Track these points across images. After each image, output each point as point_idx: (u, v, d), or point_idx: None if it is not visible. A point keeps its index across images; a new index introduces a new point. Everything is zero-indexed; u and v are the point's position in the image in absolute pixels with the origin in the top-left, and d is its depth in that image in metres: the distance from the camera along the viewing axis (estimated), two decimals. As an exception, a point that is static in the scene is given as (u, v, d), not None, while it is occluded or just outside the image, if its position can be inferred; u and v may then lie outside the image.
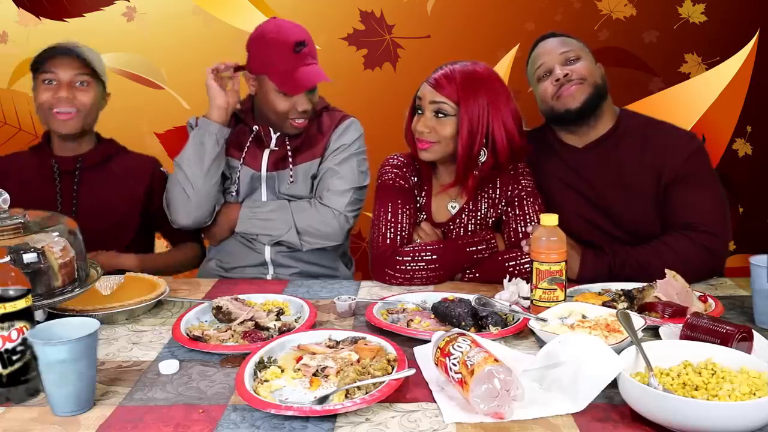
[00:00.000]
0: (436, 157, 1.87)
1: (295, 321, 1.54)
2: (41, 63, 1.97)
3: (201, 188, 1.95)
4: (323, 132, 2.06)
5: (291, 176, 2.02)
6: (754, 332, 1.28)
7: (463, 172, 1.85)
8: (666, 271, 1.57)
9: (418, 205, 1.97)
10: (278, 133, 2.04)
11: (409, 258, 1.84)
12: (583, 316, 1.44)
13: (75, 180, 2.05)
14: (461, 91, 1.80)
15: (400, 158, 1.99)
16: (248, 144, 2.04)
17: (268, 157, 2.04)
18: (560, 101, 1.90)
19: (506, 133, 1.82)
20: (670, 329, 1.38)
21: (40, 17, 2.93)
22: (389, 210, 1.91)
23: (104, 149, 2.12)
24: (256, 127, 2.03)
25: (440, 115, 1.82)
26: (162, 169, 2.19)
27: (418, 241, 1.91)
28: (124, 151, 2.17)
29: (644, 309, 1.53)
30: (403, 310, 1.61)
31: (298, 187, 2.04)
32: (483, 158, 1.84)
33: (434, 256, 1.84)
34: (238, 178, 2.04)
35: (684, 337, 1.30)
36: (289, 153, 2.03)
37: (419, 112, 1.87)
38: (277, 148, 2.04)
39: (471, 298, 1.52)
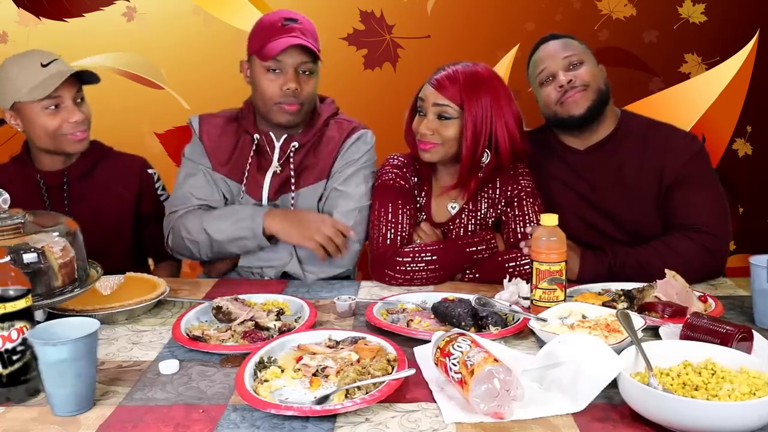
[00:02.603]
0: (437, 158, 1.87)
1: (295, 321, 1.54)
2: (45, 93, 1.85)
3: (216, 258, 1.95)
4: (330, 148, 1.95)
5: (292, 203, 1.93)
6: (754, 332, 1.28)
7: (466, 174, 1.85)
8: (666, 271, 1.57)
9: (418, 205, 1.97)
10: (282, 138, 1.94)
11: (409, 259, 1.83)
12: (583, 316, 1.44)
13: (65, 195, 1.99)
14: (465, 93, 1.79)
15: (400, 158, 1.99)
16: (249, 165, 1.94)
17: (270, 183, 1.94)
18: (564, 108, 1.90)
19: (509, 134, 1.82)
20: (670, 329, 1.38)
21: (40, 17, 2.92)
22: (389, 210, 1.90)
23: (90, 156, 2.03)
24: (257, 135, 1.95)
25: (443, 117, 1.82)
26: (149, 170, 2.15)
27: (418, 241, 1.91)
28: (110, 154, 2.10)
29: (644, 309, 1.53)
30: (403, 310, 1.61)
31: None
32: (486, 160, 1.84)
33: (434, 257, 1.84)
34: (241, 201, 1.95)
35: (684, 337, 1.30)
36: (292, 176, 1.92)
37: (421, 113, 1.86)
38: (280, 169, 1.93)
39: (471, 298, 1.52)
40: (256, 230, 1.85)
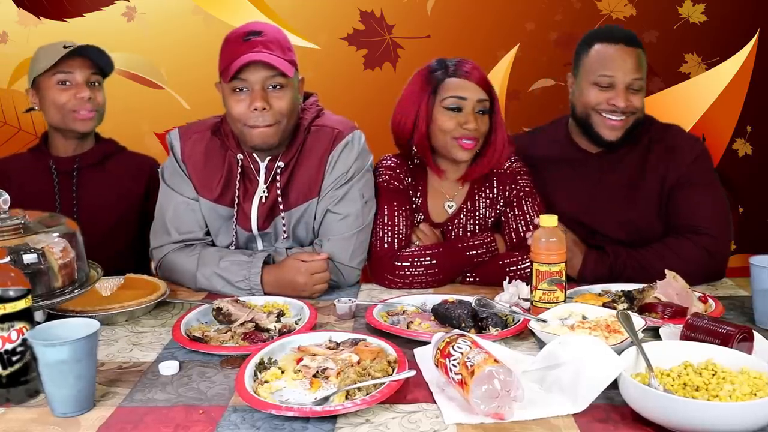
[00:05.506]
0: (473, 154, 1.89)
1: (296, 323, 1.54)
2: (53, 63, 1.94)
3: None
4: (315, 162, 1.82)
5: (285, 232, 1.83)
6: (755, 333, 1.28)
7: (492, 164, 1.91)
8: (666, 271, 1.56)
9: (414, 206, 1.95)
10: (267, 159, 1.81)
11: (408, 263, 1.82)
12: (584, 317, 1.44)
13: (74, 180, 2.06)
14: (489, 82, 1.87)
15: (392, 159, 1.95)
16: (237, 195, 1.82)
17: (257, 213, 1.82)
18: (600, 126, 1.86)
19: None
20: (670, 330, 1.38)
21: (40, 17, 2.93)
22: (386, 213, 1.88)
23: (103, 149, 2.12)
24: (241, 156, 1.82)
25: (481, 112, 1.84)
26: (160, 170, 2.17)
27: (417, 243, 1.89)
28: (123, 151, 2.17)
29: (644, 310, 1.53)
30: (403, 312, 1.61)
31: (298, 233, 1.86)
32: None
33: (433, 261, 1.82)
34: (236, 233, 1.85)
35: (684, 337, 1.30)
36: (279, 199, 1.81)
37: (456, 109, 1.82)
38: (266, 194, 1.82)
39: (471, 299, 1.52)
40: (254, 291, 1.75)
